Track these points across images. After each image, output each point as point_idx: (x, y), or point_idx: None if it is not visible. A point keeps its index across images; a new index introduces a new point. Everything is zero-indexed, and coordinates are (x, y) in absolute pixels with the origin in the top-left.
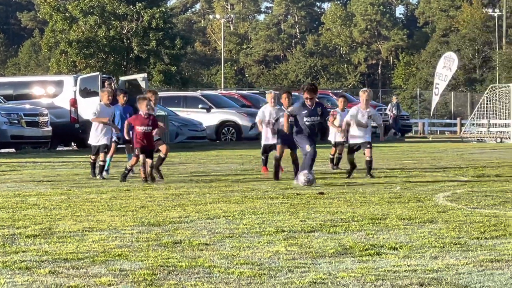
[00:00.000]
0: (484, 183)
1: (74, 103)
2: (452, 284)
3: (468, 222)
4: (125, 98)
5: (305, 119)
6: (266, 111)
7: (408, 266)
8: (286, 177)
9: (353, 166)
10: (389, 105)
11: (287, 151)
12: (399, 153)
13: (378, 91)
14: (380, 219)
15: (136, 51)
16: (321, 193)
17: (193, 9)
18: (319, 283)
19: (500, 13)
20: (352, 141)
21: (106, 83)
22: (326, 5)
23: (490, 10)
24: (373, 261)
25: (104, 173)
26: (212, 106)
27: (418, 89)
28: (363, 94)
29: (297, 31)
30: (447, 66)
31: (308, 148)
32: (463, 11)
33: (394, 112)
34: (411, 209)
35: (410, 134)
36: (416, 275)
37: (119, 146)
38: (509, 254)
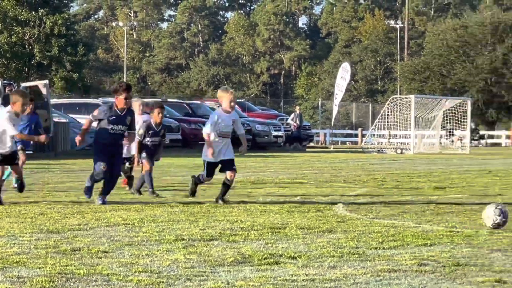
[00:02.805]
0: (383, 193)
1: None
2: None
3: (366, 232)
4: (31, 106)
5: (110, 126)
6: None
7: (306, 275)
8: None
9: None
10: (292, 114)
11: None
12: (300, 163)
13: (280, 100)
14: (280, 228)
15: (38, 58)
16: (224, 201)
17: (96, 16)
18: None
19: (402, 25)
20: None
21: (7, 89)
22: (229, 14)
23: (392, 22)
24: (271, 270)
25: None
26: None
27: (320, 99)
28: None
29: (200, 39)
30: (344, 77)
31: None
32: (365, 22)
33: (297, 122)
34: (310, 219)
35: (311, 144)
36: (314, 284)
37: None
38: (407, 264)
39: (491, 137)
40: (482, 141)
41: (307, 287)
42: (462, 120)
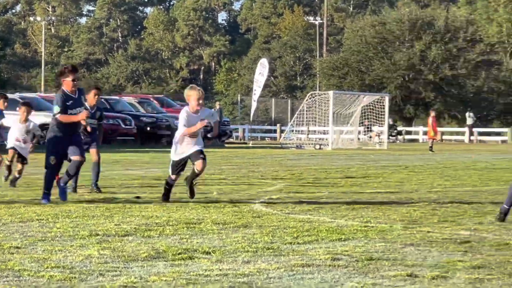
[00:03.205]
0: (300, 189)
1: None
2: None
3: (282, 227)
4: (5, 103)
5: (69, 111)
6: None
7: (220, 270)
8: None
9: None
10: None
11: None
12: (218, 158)
13: None
14: (195, 223)
15: None
16: (138, 197)
17: (13, 11)
18: (130, 286)
19: (321, 21)
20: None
21: None
22: (148, 10)
23: (311, 18)
24: (185, 265)
25: None
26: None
27: (239, 95)
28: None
29: (119, 35)
30: (262, 73)
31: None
32: (285, 18)
33: (217, 118)
34: (226, 214)
35: (230, 140)
36: (227, 279)
37: None
38: (320, 259)
39: (409, 133)
40: (400, 137)
41: (220, 282)
42: (380, 116)
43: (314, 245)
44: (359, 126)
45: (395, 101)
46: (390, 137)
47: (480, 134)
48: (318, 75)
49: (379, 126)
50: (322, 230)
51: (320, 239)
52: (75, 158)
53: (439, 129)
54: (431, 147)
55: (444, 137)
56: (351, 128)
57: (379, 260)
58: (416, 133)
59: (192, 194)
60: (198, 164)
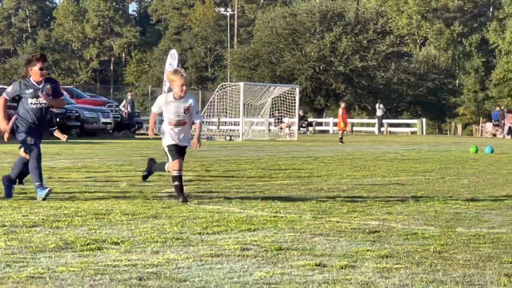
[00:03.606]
0: (210, 179)
1: None
2: (171, 278)
3: (191, 218)
4: None
5: (30, 100)
6: None
7: (129, 260)
8: None
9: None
10: (124, 101)
11: None
12: (128, 150)
13: (110, 87)
14: (104, 214)
15: None
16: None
17: None
18: (37, 277)
19: (232, 12)
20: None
21: None
22: (58, 0)
23: (222, 10)
24: (93, 256)
25: None
26: None
27: (150, 86)
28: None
29: (28, 25)
30: (172, 64)
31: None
32: (195, 9)
33: (129, 109)
34: (136, 205)
35: (141, 131)
36: (136, 269)
37: None
38: (230, 249)
39: (319, 124)
40: (310, 128)
41: (129, 272)
42: (291, 107)
43: (223, 235)
44: (270, 117)
45: (305, 92)
46: (301, 128)
47: (390, 125)
48: (229, 67)
49: (289, 117)
50: (231, 221)
51: (229, 229)
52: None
53: (349, 120)
54: (341, 138)
55: (354, 128)
56: (262, 119)
57: (288, 250)
58: (327, 124)
59: (145, 178)
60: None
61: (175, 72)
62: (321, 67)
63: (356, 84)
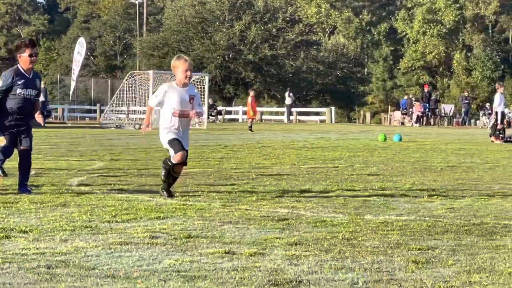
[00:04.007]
0: (119, 168)
1: None
2: (80, 267)
3: (100, 206)
4: None
5: (19, 90)
6: None
7: (37, 249)
8: None
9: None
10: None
11: None
12: (36, 138)
13: None
14: (12, 202)
15: None
16: None
17: None
18: None
19: (141, 0)
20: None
21: None
22: None
23: None
24: (1, 244)
25: None
26: None
27: (58, 74)
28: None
29: None
30: (80, 52)
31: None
32: None
33: (42, 98)
34: (44, 193)
35: (50, 120)
36: (44, 257)
37: None
38: (139, 237)
39: (229, 113)
40: (220, 117)
41: (37, 260)
42: (200, 95)
43: (132, 223)
44: None
45: (215, 81)
46: (210, 116)
47: (299, 113)
48: (138, 55)
49: None
50: (141, 209)
51: (138, 217)
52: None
53: (258, 108)
54: (250, 126)
55: (264, 116)
56: None
57: (197, 237)
58: (236, 112)
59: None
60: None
61: (178, 57)
62: (230, 55)
63: (265, 72)
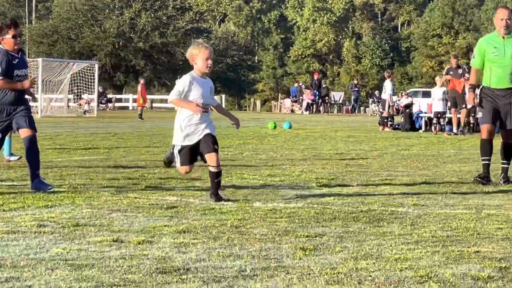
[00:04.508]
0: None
1: None
2: None
3: None
4: None
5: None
6: None
7: None
8: None
9: None
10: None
11: None
12: None
13: None
14: None
15: None
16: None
17: None
18: None
19: None
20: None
21: None
22: None
23: None
24: None
25: None
26: None
27: None
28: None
29: None
30: None
31: None
32: None
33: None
34: None
35: None
36: None
37: None
38: (26, 226)
39: (119, 100)
40: (110, 105)
41: None
42: (90, 83)
43: (20, 212)
44: (69, 93)
45: (105, 68)
46: (100, 104)
47: None
48: (27, 43)
49: (89, 94)
50: (28, 197)
51: (26, 206)
52: (24, 133)
53: (148, 96)
54: (140, 114)
55: (154, 104)
56: (60, 95)
57: (85, 226)
58: (126, 100)
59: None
60: (210, 159)
61: (197, 45)
62: (120, 43)
63: (156, 60)
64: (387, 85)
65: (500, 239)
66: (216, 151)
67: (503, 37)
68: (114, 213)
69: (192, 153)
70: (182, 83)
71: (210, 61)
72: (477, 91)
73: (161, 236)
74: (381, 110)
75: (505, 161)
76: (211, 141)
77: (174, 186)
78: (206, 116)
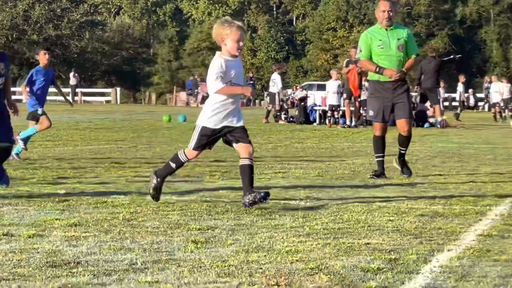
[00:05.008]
0: None
1: None
2: None
3: None
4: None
5: None
6: None
7: None
8: None
9: None
10: None
11: None
12: None
13: None
14: None
15: None
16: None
17: None
18: None
19: None
20: None
21: None
22: None
23: None
24: None
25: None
26: None
27: None
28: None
29: None
30: None
31: None
32: None
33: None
34: None
35: None
36: None
37: None
38: None
39: (13, 93)
40: None
41: None
42: None
43: None
44: None
45: None
46: None
47: (84, 94)
48: None
49: None
50: None
51: None
52: None
53: None
54: None
55: (49, 98)
56: None
57: None
58: (20, 93)
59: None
60: (246, 150)
61: (228, 23)
62: (14, 35)
63: (50, 53)
64: (276, 78)
65: (391, 231)
66: (251, 143)
67: (386, 29)
68: (4, 207)
69: (208, 140)
70: (216, 67)
71: (241, 43)
72: (367, 84)
73: (52, 230)
74: (268, 103)
75: (402, 148)
76: (247, 133)
77: (66, 180)
78: (238, 101)
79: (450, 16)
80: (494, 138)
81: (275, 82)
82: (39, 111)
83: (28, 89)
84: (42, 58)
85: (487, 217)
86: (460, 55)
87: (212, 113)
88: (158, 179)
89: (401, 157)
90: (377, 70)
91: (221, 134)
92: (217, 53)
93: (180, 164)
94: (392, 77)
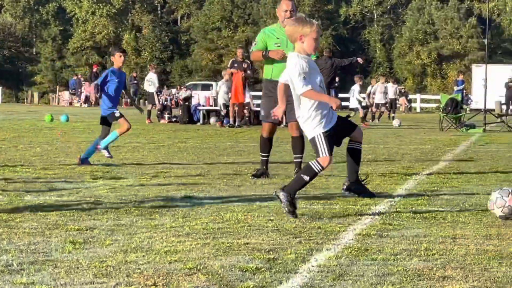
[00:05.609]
0: None
1: None
2: None
3: None
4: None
5: None
6: None
7: None
8: None
9: None
10: None
11: None
12: None
13: None
14: None
15: None
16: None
17: None
18: None
19: None
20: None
21: None
22: None
23: None
24: None
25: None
26: None
27: None
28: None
29: None
30: None
31: None
32: None
33: None
34: None
35: None
36: None
37: None
38: None
39: None
40: None
41: None
42: None
43: None
44: None
45: None
46: None
47: None
48: None
49: None
50: None
51: None
52: None
53: None
54: None
55: None
56: None
57: None
58: None
59: (369, 193)
60: (360, 135)
61: (310, 22)
62: None
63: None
64: (153, 77)
65: (270, 231)
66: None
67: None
68: None
69: (333, 139)
70: (299, 67)
71: (318, 42)
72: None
73: None
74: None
75: (297, 155)
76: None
77: None
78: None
79: (334, 17)
80: (375, 138)
81: (152, 82)
82: (117, 113)
83: (98, 89)
84: (118, 60)
85: (366, 217)
86: (366, 58)
87: (320, 117)
88: (290, 195)
89: (298, 166)
90: (264, 54)
91: (337, 126)
92: (291, 53)
93: (314, 175)
94: (279, 58)
